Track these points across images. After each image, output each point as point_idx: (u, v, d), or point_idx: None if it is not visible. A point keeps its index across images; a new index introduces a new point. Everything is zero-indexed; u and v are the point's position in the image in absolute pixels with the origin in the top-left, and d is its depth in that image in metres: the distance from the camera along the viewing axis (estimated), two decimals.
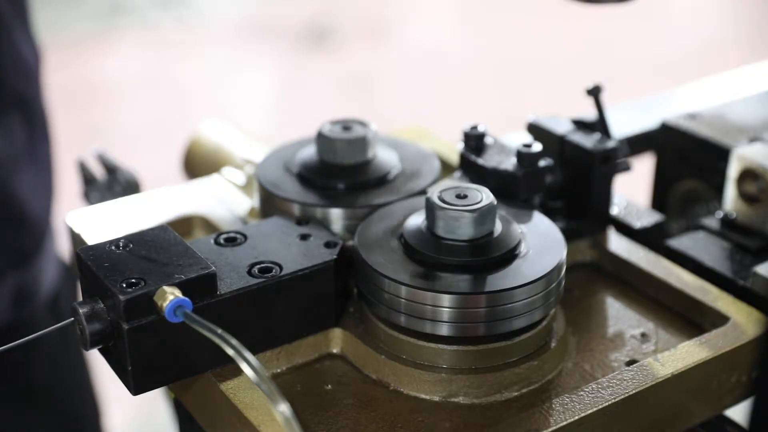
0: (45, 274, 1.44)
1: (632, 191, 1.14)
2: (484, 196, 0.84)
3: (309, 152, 1.00)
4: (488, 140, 0.98)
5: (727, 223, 1.02)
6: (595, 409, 0.79)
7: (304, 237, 0.88)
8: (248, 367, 0.70)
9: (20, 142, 1.40)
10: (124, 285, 0.76)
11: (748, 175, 1.01)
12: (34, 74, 1.44)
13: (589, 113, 1.01)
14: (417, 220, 0.87)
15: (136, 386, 0.78)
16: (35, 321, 1.42)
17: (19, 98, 1.40)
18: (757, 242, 1.00)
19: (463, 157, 0.98)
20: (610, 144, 0.97)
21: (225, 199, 1.07)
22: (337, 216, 0.92)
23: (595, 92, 1.00)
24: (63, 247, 1.51)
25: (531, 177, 0.94)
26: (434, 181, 0.97)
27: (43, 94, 1.48)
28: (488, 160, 0.96)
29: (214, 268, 0.79)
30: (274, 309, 0.83)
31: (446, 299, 0.80)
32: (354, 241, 0.86)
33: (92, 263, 0.79)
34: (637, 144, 1.25)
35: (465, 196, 0.84)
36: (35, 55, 1.45)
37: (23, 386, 1.47)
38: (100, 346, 0.79)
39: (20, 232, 1.39)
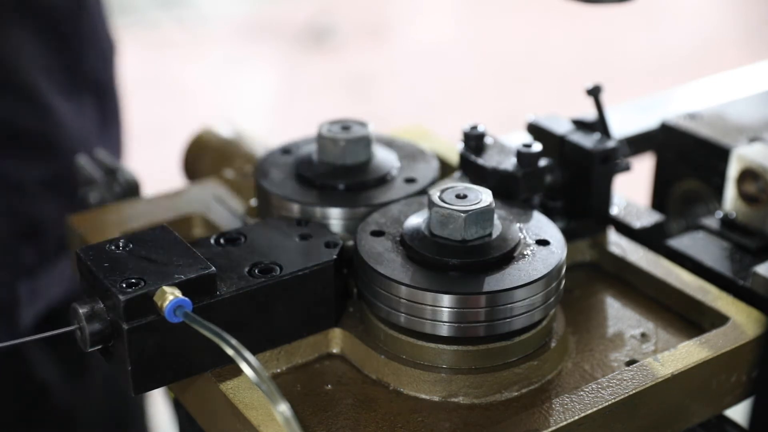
0: None
1: (632, 191, 1.14)
2: (484, 196, 0.84)
3: (308, 152, 1.00)
4: (488, 140, 0.98)
5: (727, 223, 1.02)
6: (595, 409, 0.79)
7: (304, 237, 0.88)
8: (248, 367, 0.70)
9: (92, 123, 1.48)
10: (124, 285, 0.76)
11: (748, 175, 1.01)
12: (109, 60, 1.53)
13: (589, 113, 1.01)
14: (417, 220, 0.87)
15: (136, 386, 0.78)
16: None
17: (94, 81, 1.49)
18: (757, 242, 1.00)
19: (463, 157, 0.98)
20: (610, 144, 0.97)
21: (225, 199, 1.07)
22: (337, 216, 0.92)
23: (595, 92, 1.00)
24: None
25: (531, 177, 0.94)
26: (434, 181, 0.97)
27: (117, 81, 1.56)
28: (488, 160, 0.96)
29: (214, 268, 0.79)
30: (274, 309, 0.83)
31: (446, 299, 0.80)
32: (354, 241, 0.86)
33: (92, 263, 0.79)
34: (637, 144, 1.26)
35: (465, 197, 0.84)
36: (110, 42, 1.53)
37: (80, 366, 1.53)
38: (100, 347, 0.79)
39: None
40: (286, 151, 1.02)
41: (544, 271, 0.82)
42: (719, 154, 1.08)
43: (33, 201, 1.44)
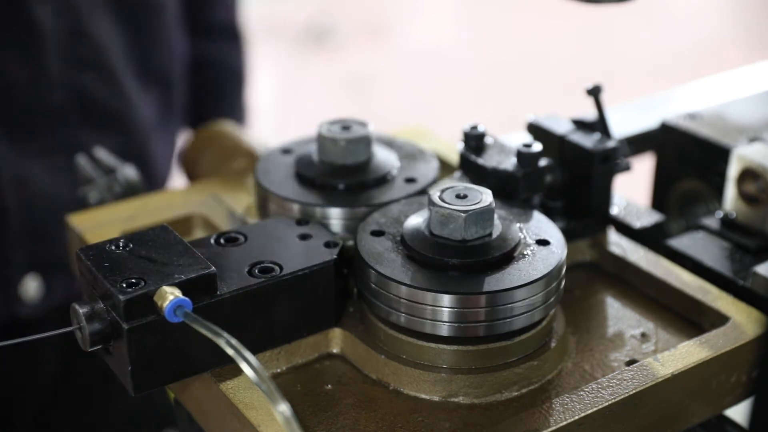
0: None
1: (632, 191, 1.14)
2: (484, 196, 0.84)
3: (308, 152, 1.00)
4: (488, 140, 0.99)
5: (727, 223, 1.02)
6: (595, 409, 0.79)
7: (304, 237, 0.88)
8: (248, 367, 0.70)
9: (154, 112, 1.64)
10: (124, 285, 0.76)
11: (748, 175, 1.01)
12: (179, 62, 1.67)
13: (589, 113, 1.01)
14: (417, 220, 0.87)
15: (136, 386, 0.78)
16: None
17: (161, 76, 1.64)
18: (757, 242, 1.00)
19: (463, 157, 0.98)
20: (610, 144, 0.97)
21: (225, 199, 1.07)
22: (337, 216, 0.92)
23: (595, 92, 1.00)
24: None
25: (531, 177, 0.94)
26: (434, 181, 0.97)
27: (183, 81, 1.71)
28: (488, 160, 0.96)
29: (214, 268, 0.79)
30: (274, 309, 0.83)
31: (446, 299, 0.80)
32: (354, 241, 0.86)
33: (92, 263, 0.79)
34: (637, 144, 1.26)
35: (465, 197, 0.84)
36: (182, 46, 1.68)
37: None
38: (99, 346, 0.79)
39: (149, 189, 1.51)
40: (286, 151, 1.02)
41: (544, 271, 0.82)
42: (719, 154, 1.08)
43: None
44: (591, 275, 0.99)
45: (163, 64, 1.65)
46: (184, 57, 1.72)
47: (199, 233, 1.05)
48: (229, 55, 1.88)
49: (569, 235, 0.93)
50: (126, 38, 1.57)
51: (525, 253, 0.84)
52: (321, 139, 0.97)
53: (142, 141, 1.61)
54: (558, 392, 0.83)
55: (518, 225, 0.87)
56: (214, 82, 1.86)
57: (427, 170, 0.99)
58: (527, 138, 0.99)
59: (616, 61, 4.40)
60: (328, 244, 0.86)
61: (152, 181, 1.63)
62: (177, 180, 1.87)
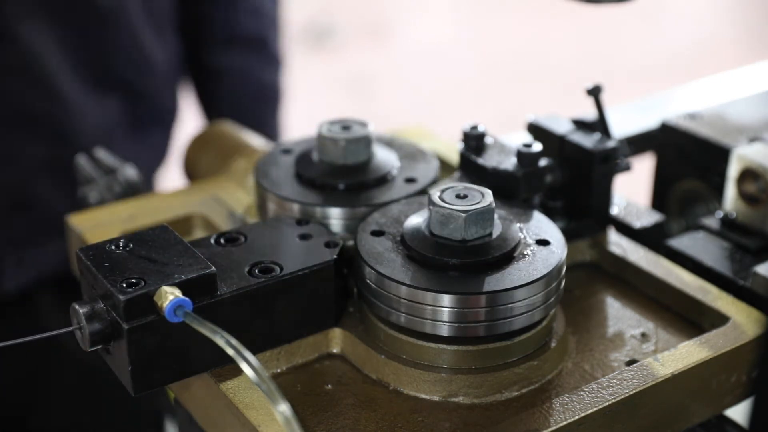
0: None
1: (632, 191, 1.14)
2: (484, 196, 0.84)
3: (308, 152, 1.00)
4: (488, 140, 0.99)
5: (727, 223, 1.02)
6: (595, 409, 0.79)
7: (304, 237, 0.88)
8: (248, 367, 0.70)
9: (116, 121, 1.60)
10: (124, 285, 0.76)
11: (748, 175, 1.01)
12: (153, 70, 1.63)
13: (590, 113, 1.01)
14: (417, 220, 0.87)
15: (136, 386, 0.78)
16: None
17: (124, 84, 1.59)
18: (757, 242, 1.00)
19: (463, 157, 0.98)
20: (610, 144, 0.97)
21: (225, 199, 1.07)
22: (337, 216, 0.92)
23: (595, 92, 1.00)
24: None
25: (531, 177, 0.94)
26: (434, 181, 0.97)
27: (167, 89, 1.68)
28: (488, 160, 0.96)
29: (214, 268, 0.79)
30: (274, 309, 0.83)
31: (446, 299, 0.79)
32: (354, 241, 0.86)
33: (92, 263, 0.79)
34: (637, 144, 1.26)
35: (465, 197, 0.84)
36: (164, 54, 1.64)
37: None
38: (100, 346, 0.79)
39: None
40: (286, 151, 1.02)
41: (544, 271, 0.82)
42: (719, 154, 1.08)
43: (29, 177, 1.54)
44: (591, 275, 0.99)
45: (124, 70, 1.60)
46: (170, 62, 1.67)
47: (199, 233, 1.05)
48: (259, 69, 1.85)
49: (569, 235, 0.93)
50: (69, 44, 1.52)
51: (525, 253, 0.84)
52: (321, 139, 0.97)
53: (101, 144, 1.55)
54: (558, 392, 0.83)
55: (518, 225, 0.87)
56: (234, 94, 1.82)
57: (427, 170, 0.99)
58: (527, 138, 0.99)
59: (616, 61, 4.40)
60: (328, 244, 0.86)
61: None
62: (177, 180, 1.86)
